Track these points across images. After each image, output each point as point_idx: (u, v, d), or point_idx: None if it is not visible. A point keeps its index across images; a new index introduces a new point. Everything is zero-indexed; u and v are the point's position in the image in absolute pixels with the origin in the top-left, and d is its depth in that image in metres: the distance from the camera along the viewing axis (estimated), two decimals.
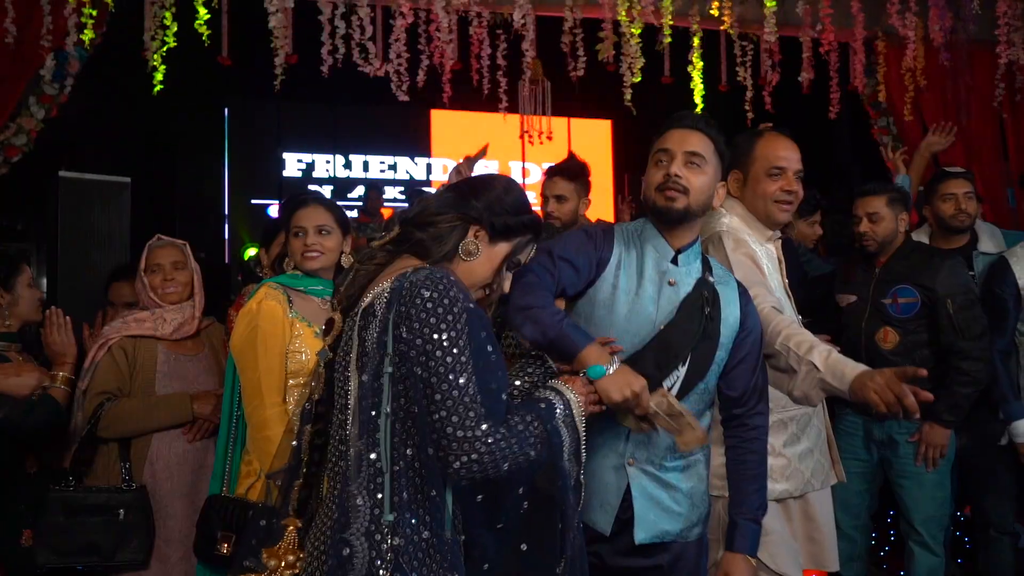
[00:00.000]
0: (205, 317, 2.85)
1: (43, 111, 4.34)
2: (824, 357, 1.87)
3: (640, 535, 1.88)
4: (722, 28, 4.72)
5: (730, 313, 1.92)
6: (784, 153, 2.33)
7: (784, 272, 2.43)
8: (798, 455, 2.33)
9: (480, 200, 1.57)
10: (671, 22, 4.34)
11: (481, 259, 1.57)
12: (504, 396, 1.43)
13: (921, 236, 3.44)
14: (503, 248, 1.59)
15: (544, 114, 5.57)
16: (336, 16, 4.39)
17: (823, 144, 7.17)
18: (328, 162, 9.09)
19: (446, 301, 1.38)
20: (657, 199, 1.92)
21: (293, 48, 4.60)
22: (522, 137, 5.55)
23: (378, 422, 1.39)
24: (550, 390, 1.56)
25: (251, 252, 6.61)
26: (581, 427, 1.53)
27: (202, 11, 4.06)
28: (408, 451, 1.38)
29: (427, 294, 1.38)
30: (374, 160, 9.24)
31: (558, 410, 1.51)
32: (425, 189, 7.52)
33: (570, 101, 6.24)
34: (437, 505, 1.38)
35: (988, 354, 3.01)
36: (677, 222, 1.92)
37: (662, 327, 1.87)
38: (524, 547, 1.52)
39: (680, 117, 1.97)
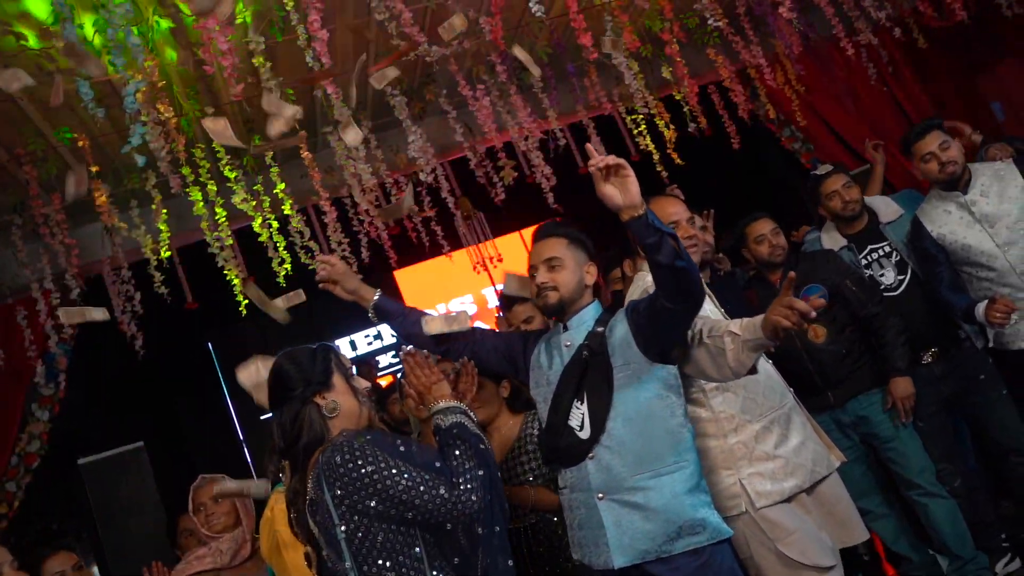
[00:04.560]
0: (259, 535, 3.06)
1: (47, 412, 4.66)
2: (740, 324, 2.17)
3: (618, 560, 2.14)
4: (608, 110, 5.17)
5: (619, 329, 2.31)
6: (671, 209, 2.67)
7: (718, 303, 2.71)
8: (793, 450, 2.50)
9: (296, 384, 1.91)
10: (558, 125, 4.77)
11: (342, 404, 1.91)
12: (437, 463, 1.79)
13: (830, 230, 3.73)
14: (338, 381, 1.94)
15: (488, 240, 5.95)
16: (273, 232, 4.79)
17: (766, 170, 7.58)
18: None
19: (355, 450, 1.72)
20: (539, 301, 2.40)
21: (247, 270, 4.99)
22: (475, 268, 5.89)
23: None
24: (452, 413, 1.96)
25: None
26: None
27: (157, 275, 4.42)
28: (380, 561, 1.70)
29: (339, 459, 1.73)
30: (359, 337, 9.55)
31: (464, 419, 1.92)
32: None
33: (522, 214, 6.60)
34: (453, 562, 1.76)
35: (890, 305, 3.44)
36: (559, 311, 2.38)
37: (558, 381, 2.30)
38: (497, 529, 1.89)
39: (537, 232, 2.46)
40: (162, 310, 4.78)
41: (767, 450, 2.46)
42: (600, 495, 2.20)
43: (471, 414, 2.02)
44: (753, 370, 2.20)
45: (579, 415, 2.24)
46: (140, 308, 4.74)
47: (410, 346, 2.24)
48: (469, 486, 1.74)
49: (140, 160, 3.29)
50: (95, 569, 5.50)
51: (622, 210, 2.03)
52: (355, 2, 3.87)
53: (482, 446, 1.88)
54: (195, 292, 5.06)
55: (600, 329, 2.32)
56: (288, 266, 4.79)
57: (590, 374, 2.26)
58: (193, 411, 8.42)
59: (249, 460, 8.64)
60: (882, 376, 3.37)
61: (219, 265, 4.49)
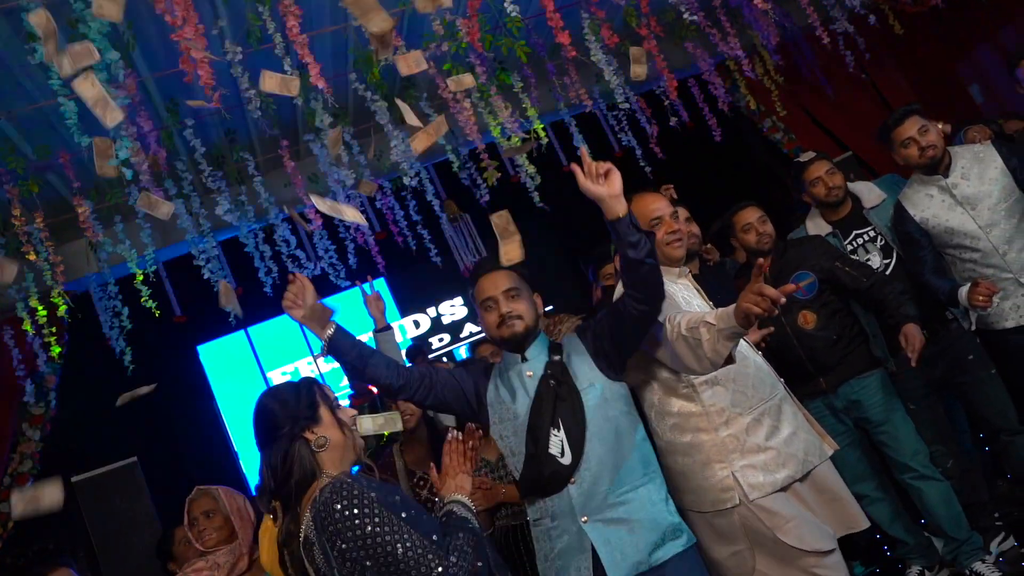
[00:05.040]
0: (257, 546, 3.04)
1: (38, 432, 4.63)
2: (714, 315, 2.19)
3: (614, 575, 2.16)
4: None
5: (575, 354, 2.41)
6: (654, 205, 2.68)
7: (705, 296, 2.72)
8: (784, 441, 2.51)
9: (283, 422, 1.87)
10: (540, 126, 4.78)
11: (331, 437, 1.88)
12: (435, 536, 1.74)
13: (815, 217, 3.75)
14: (325, 414, 1.91)
15: (475, 243, 5.94)
16: (259, 242, 4.78)
17: (749, 160, 7.60)
18: (309, 363, 9.37)
19: (355, 500, 1.68)
20: (502, 333, 2.40)
21: (235, 281, 4.98)
22: (465, 273, 5.88)
23: None
24: (466, 510, 1.94)
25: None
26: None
27: (145, 290, 4.39)
28: None
29: (339, 506, 1.68)
30: None
31: (471, 519, 1.88)
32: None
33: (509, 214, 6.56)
34: None
35: (884, 274, 3.45)
36: (524, 341, 2.41)
37: (529, 414, 2.31)
38: None
39: (480, 267, 2.49)
40: (151, 324, 4.76)
41: (758, 442, 2.47)
42: (584, 518, 2.25)
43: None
44: (730, 359, 2.22)
45: (558, 442, 2.28)
46: (128, 323, 4.72)
47: (458, 433, 2.18)
48: (461, 568, 1.70)
49: (128, 174, 3.27)
50: None
51: (609, 204, 2.15)
52: (332, 9, 3.87)
53: (482, 545, 1.84)
54: (183, 305, 5.04)
55: (557, 358, 2.39)
56: (275, 276, 4.79)
57: (560, 402, 2.32)
58: (186, 424, 8.38)
59: (244, 470, 8.62)
60: (874, 360, 3.39)
61: (205, 277, 4.47)
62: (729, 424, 2.47)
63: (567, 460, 2.26)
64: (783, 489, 2.46)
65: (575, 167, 2.18)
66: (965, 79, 6.17)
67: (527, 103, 4.77)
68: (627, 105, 4.76)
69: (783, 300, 2.00)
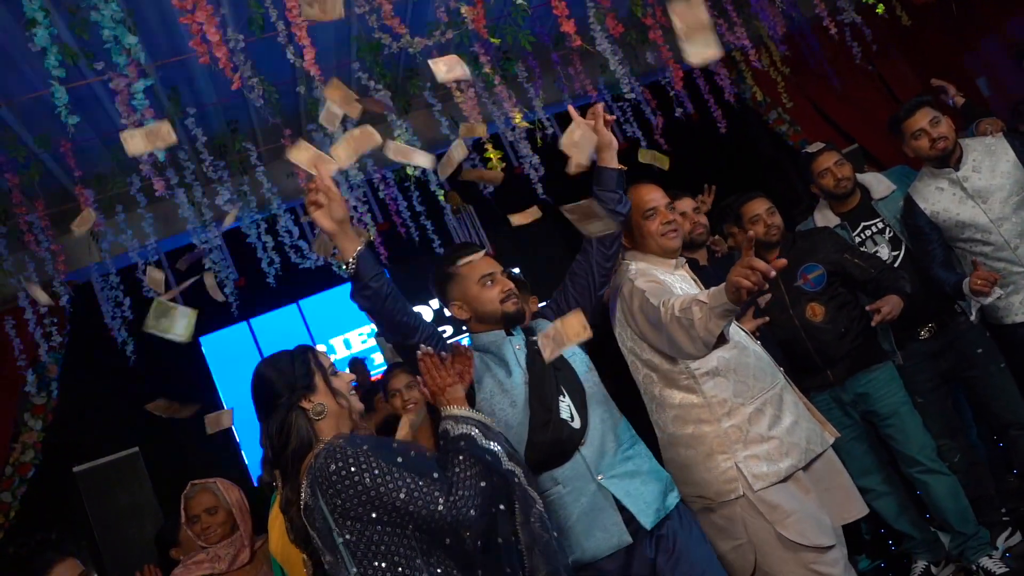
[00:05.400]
0: (257, 537, 3.03)
1: (40, 422, 4.62)
2: (706, 294, 2.16)
3: (647, 522, 2.24)
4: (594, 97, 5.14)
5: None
6: (648, 196, 2.65)
7: (703, 287, 2.69)
8: (786, 430, 2.49)
9: (280, 391, 1.87)
10: (544, 114, 4.75)
11: (328, 405, 1.88)
12: (435, 473, 1.72)
13: (823, 209, 3.72)
14: (319, 383, 1.90)
15: (478, 235, 5.92)
16: (261, 232, 4.76)
17: (754, 152, 7.56)
18: None
19: (350, 457, 1.67)
20: (507, 307, 2.40)
21: (238, 271, 4.96)
22: None
23: None
24: (464, 423, 1.91)
25: None
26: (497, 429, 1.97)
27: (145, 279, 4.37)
28: (383, 564, 1.66)
29: (334, 467, 1.68)
30: (352, 336, 9.52)
31: (475, 432, 1.86)
32: None
33: (512, 205, 6.53)
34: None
35: (892, 265, 3.44)
36: (522, 319, 2.44)
37: (529, 386, 2.33)
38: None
39: (467, 247, 2.49)
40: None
41: (761, 432, 2.45)
42: (600, 476, 2.28)
43: (486, 422, 1.96)
44: (723, 339, 2.18)
45: (567, 407, 2.32)
46: (130, 313, 4.70)
47: (427, 347, 2.14)
48: (465, 498, 1.69)
49: (160, 155, 3.23)
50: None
51: (612, 154, 2.41)
52: None
53: (488, 457, 1.82)
54: (185, 295, 5.01)
55: (534, 338, 2.39)
56: (277, 266, 4.77)
57: (557, 371, 2.37)
58: (188, 416, 8.37)
59: (246, 461, 8.62)
60: (882, 353, 3.36)
61: (207, 267, 4.45)
62: (731, 415, 2.45)
63: (577, 424, 2.31)
64: (786, 479, 2.44)
65: (573, 110, 2.41)
66: (972, 71, 6.12)
67: (531, 93, 4.74)
68: (632, 96, 4.73)
69: (773, 274, 1.96)
